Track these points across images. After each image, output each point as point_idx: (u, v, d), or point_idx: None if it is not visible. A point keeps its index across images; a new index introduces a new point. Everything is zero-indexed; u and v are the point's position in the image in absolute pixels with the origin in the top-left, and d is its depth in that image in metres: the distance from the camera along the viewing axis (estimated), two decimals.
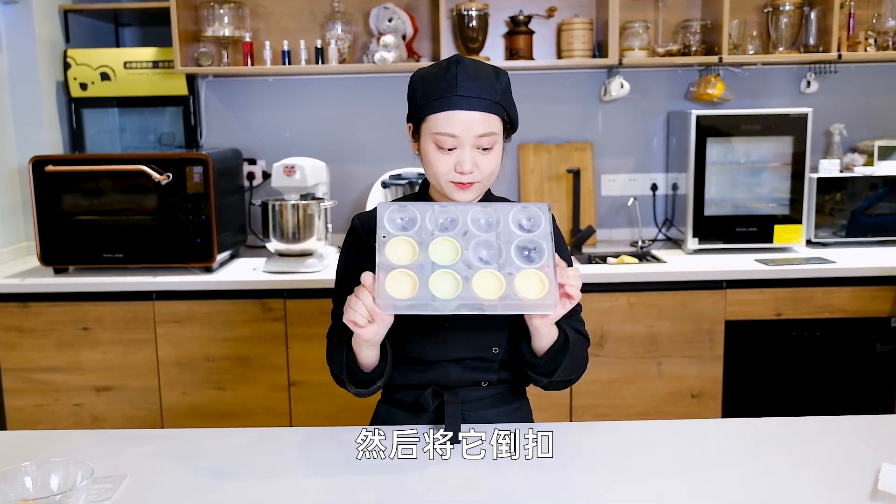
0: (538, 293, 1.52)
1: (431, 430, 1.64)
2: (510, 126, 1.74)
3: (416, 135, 1.74)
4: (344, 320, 1.55)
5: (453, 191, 1.70)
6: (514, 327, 1.75)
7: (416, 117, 1.70)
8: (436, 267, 1.52)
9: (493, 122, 1.67)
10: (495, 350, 1.77)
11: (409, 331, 1.74)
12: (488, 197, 1.81)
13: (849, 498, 1.45)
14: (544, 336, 1.65)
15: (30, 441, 1.79)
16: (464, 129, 1.64)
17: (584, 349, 1.80)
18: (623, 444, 1.70)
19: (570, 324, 1.77)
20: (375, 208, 1.70)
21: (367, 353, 1.64)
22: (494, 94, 1.66)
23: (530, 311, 1.56)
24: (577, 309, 1.84)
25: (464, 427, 1.70)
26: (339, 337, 1.73)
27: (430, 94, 1.67)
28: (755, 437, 1.73)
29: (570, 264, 1.80)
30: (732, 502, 1.46)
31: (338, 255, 1.89)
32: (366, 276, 1.54)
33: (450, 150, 1.66)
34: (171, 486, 1.54)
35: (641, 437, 1.76)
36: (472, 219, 1.59)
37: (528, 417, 1.90)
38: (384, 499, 1.48)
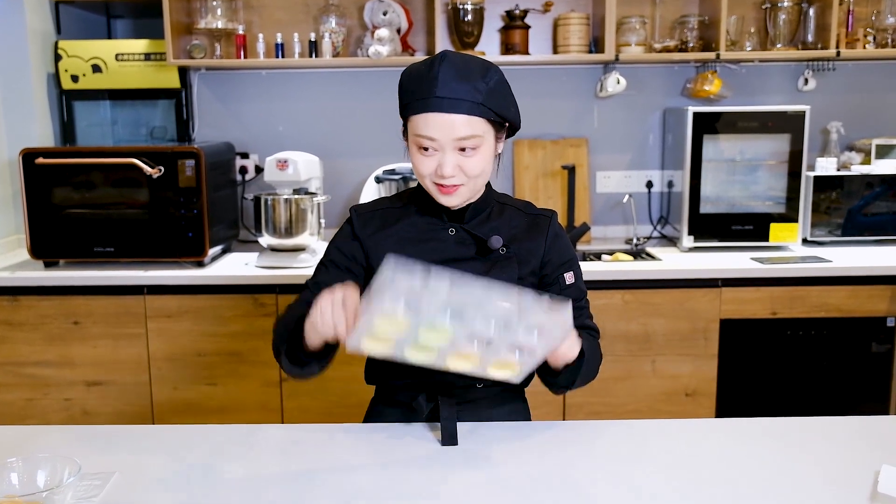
0: (510, 374, 1.50)
1: (421, 431, 1.63)
2: (504, 124, 1.68)
3: (405, 132, 1.70)
4: (317, 318, 1.48)
5: (437, 194, 1.67)
6: None
7: (402, 115, 1.67)
8: (419, 343, 1.44)
9: (476, 125, 1.60)
10: None
11: None
12: (488, 196, 1.76)
13: (848, 499, 1.44)
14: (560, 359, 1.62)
15: (17, 436, 1.77)
16: (443, 132, 1.59)
17: (597, 350, 1.79)
18: (616, 443, 1.68)
19: (580, 321, 1.75)
20: (374, 201, 1.70)
21: (318, 340, 1.57)
22: (477, 95, 1.59)
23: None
24: (584, 304, 1.81)
25: (459, 427, 1.68)
26: (295, 309, 1.66)
27: (412, 93, 1.62)
28: (749, 437, 1.72)
29: (574, 269, 1.79)
30: (727, 502, 1.44)
31: None
32: (350, 298, 1.46)
33: (430, 151, 1.62)
34: (160, 484, 1.52)
35: (635, 435, 1.74)
36: (485, 316, 1.41)
37: (525, 417, 1.88)
38: (380, 496, 1.46)
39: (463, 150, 1.61)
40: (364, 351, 1.45)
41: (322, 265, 1.79)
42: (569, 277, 1.78)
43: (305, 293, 1.74)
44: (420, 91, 1.60)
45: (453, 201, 1.67)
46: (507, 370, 1.49)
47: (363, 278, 1.75)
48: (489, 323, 1.41)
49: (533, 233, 1.76)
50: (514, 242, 1.74)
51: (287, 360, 1.64)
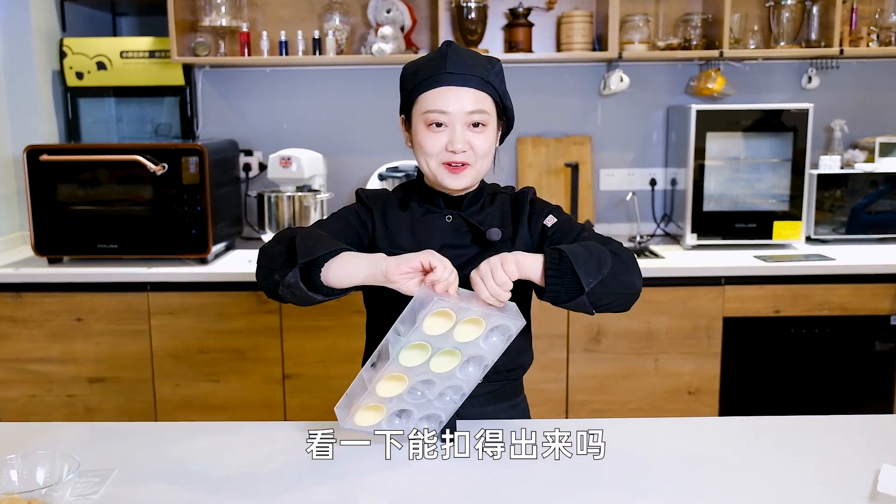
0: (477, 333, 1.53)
1: (420, 428, 1.63)
2: (503, 114, 1.72)
3: (408, 124, 1.72)
4: (438, 265, 1.45)
5: (445, 176, 1.67)
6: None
7: (408, 101, 1.70)
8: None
9: (484, 101, 1.66)
10: None
11: None
12: (483, 186, 1.78)
13: (847, 499, 1.43)
14: (531, 277, 1.55)
15: (17, 433, 1.77)
16: (455, 105, 1.64)
17: (601, 248, 1.59)
18: (619, 441, 1.68)
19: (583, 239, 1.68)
20: (375, 190, 1.74)
21: (352, 276, 1.53)
22: (486, 73, 1.66)
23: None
24: (587, 235, 1.71)
25: (459, 425, 1.68)
26: (314, 234, 1.58)
27: (421, 75, 1.67)
28: (752, 435, 1.72)
29: (553, 212, 1.77)
30: (728, 501, 1.44)
31: None
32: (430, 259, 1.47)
33: (441, 127, 1.65)
34: (159, 481, 1.52)
35: (637, 434, 1.74)
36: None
37: (524, 414, 1.88)
38: (381, 492, 1.47)
39: (474, 125, 1.66)
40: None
41: (334, 217, 1.76)
42: (549, 220, 1.74)
43: (314, 228, 1.69)
44: (430, 70, 1.65)
45: (460, 182, 1.68)
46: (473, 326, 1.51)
47: (365, 246, 1.75)
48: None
49: (517, 214, 1.77)
50: (505, 225, 1.76)
51: (300, 275, 1.54)
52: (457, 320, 1.47)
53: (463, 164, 1.67)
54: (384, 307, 1.72)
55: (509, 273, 1.49)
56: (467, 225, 1.74)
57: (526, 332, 1.83)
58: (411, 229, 1.75)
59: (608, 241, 1.66)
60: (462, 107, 1.64)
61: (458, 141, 1.64)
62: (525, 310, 1.71)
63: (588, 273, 1.51)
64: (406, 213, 1.77)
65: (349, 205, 1.82)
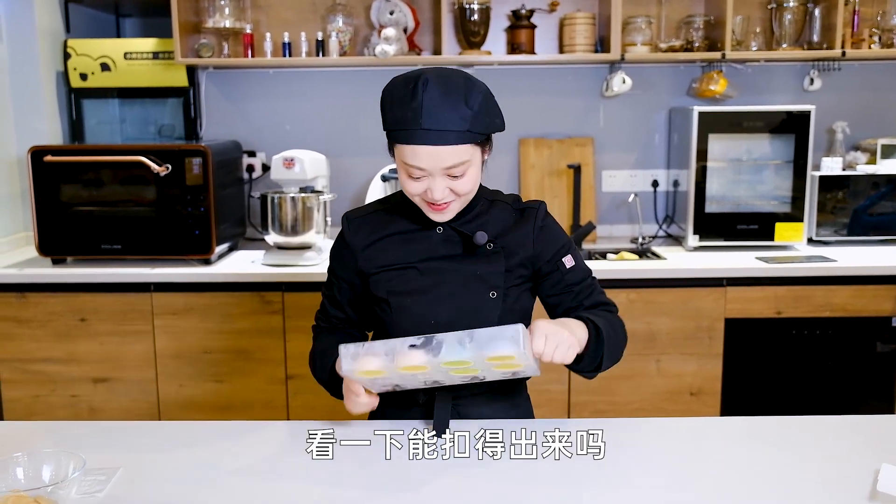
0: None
1: (420, 426, 1.64)
2: (490, 135, 1.68)
3: (390, 147, 1.70)
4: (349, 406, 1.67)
5: (428, 211, 1.69)
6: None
7: (387, 135, 1.66)
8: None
9: (463, 152, 1.60)
10: None
11: (397, 330, 1.73)
12: (477, 196, 1.76)
13: (847, 498, 1.44)
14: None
15: (23, 432, 1.79)
16: (430, 162, 1.59)
17: (616, 323, 1.77)
18: (620, 441, 1.69)
19: (592, 299, 1.79)
20: (366, 206, 1.76)
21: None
22: (463, 123, 1.57)
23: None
24: (592, 283, 1.82)
25: (454, 423, 1.69)
26: (324, 352, 1.81)
27: (396, 120, 1.60)
28: (753, 436, 1.72)
29: (570, 251, 1.80)
30: (729, 501, 1.45)
31: None
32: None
33: (420, 177, 1.62)
34: (164, 479, 1.53)
35: (639, 434, 1.75)
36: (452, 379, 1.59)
37: (527, 413, 1.89)
38: (381, 490, 1.47)
39: (452, 175, 1.62)
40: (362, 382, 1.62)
41: (329, 278, 1.89)
42: (568, 261, 1.79)
43: (322, 306, 1.91)
44: (404, 120, 1.58)
45: (444, 217, 1.70)
46: (507, 364, 1.52)
47: (360, 286, 1.82)
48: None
49: (520, 226, 1.77)
50: (501, 237, 1.76)
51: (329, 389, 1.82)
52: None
53: (446, 203, 1.66)
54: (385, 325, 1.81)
55: (570, 358, 1.58)
56: (458, 234, 1.75)
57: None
58: (400, 246, 1.77)
59: (608, 305, 1.81)
60: (438, 164, 1.59)
61: (437, 191, 1.62)
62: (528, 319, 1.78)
63: (610, 357, 1.70)
64: (396, 228, 1.79)
65: (335, 242, 1.86)
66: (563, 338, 1.55)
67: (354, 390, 1.62)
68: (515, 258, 1.75)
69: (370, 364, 1.53)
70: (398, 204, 1.81)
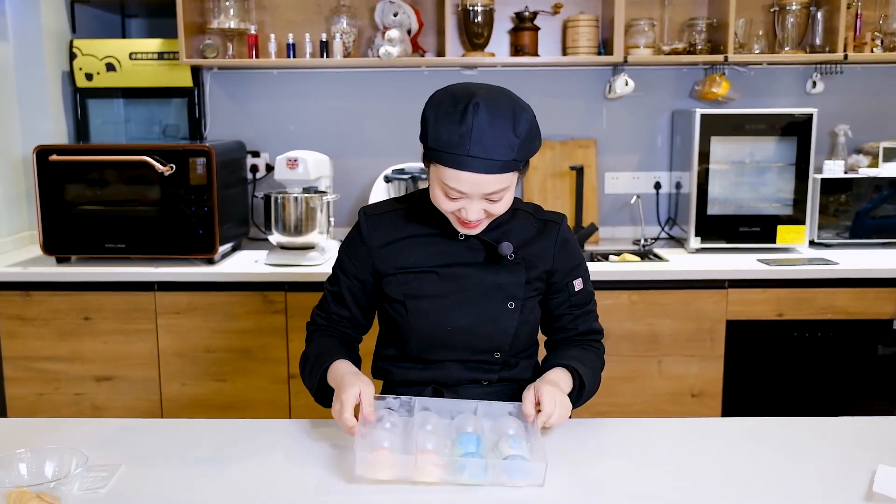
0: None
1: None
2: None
3: (426, 159, 1.64)
4: (334, 413, 1.63)
5: (458, 226, 1.67)
6: (517, 337, 1.76)
7: (426, 149, 1.60)
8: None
9: (505, 179, 1.58)
10: (497, 355, 1.77)
11: (411, 333, 1.74)
12: None
13: (844, 499, 1.45)
14: None
15: (26, 429, 1.80)
16: (473, 188, 1.56)
17: (598, 366, 1.87)
18: (622, 442, 1.70)
19: (586, 325, 1.86)
20: (384, 202, 1.76)
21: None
22: (510, 153, 1.54)
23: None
24: (591, 308, 1.87)
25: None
26: (318, 356, 1.77)
27: (441, 141, 1.54)
28: (753, 437, 1.73)
29: (582, 274, 1.83)
30: (729, 501, 1.46)
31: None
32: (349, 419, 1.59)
33: (457, 199, 1.60)
34: (166, 476, 1.54)
35: (640, 435, 1.76)
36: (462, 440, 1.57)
37: None
38: (381, 489, 1.48)
39: (490, 199, 1.60)
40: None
41: (335, 273, 1.84)
42: (578, 284, 1.82)
43: (324, 301, 1.88)
44: (451, 144, 1.53)
45: (473, 232, 1.69)
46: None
47: (372, 284, 1.80)
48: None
49: (542, 238, 1.78)
50: (523, 247, 1.76)
51: (315, 396, 1.79)
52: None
53: (478, 222, 1.64)
54: (393, 325, 1.81)
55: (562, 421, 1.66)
56: (481, 242, 1.74)
57: (532, 345, 1.87)
58: (419, 249, 1.75)
59: (598, 334, 1.92)
60: (480, 190, 1.56)
61: (473, 213, 1.60)
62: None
63: (588, 395, 1.81)
64: (417, 229, 1.77)
65: (349, 237, 1.83)
66: (566, 405, 1.64)
67: (347, 421, 1.59)
68: (535, 271, 1.76)
69: (384, 474, 1.50)
70: (418, 205, 1.78)
